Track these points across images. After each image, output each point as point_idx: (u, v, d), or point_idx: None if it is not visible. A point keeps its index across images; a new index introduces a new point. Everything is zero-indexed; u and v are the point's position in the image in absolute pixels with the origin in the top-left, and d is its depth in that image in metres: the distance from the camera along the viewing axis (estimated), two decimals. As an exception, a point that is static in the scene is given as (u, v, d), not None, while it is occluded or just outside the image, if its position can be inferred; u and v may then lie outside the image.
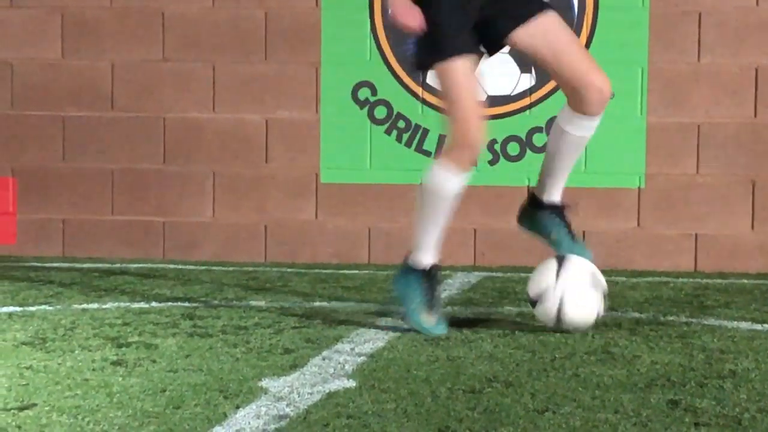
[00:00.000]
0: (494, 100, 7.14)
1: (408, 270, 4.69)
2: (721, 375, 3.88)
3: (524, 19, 4.59)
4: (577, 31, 7.05)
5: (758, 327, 4.91)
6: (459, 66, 4.54)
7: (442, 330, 4.58)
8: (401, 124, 7.12)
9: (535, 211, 4.94)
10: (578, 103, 4.65)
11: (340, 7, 7.08)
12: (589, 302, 4.64)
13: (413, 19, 4.48)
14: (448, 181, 4.60)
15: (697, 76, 7.03)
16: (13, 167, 7.56)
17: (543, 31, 4.61)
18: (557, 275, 4.65)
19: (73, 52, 7.48)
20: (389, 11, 4.56)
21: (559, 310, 4.60)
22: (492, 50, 4.74)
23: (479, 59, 4.70)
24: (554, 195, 4.90)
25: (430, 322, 4.59)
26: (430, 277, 4.69)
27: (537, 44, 4.63)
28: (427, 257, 4.69)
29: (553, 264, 4.71)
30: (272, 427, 3.13)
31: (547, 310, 4.63)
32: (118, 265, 7.04)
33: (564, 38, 4.66)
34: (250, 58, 7.35)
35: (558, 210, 4.92)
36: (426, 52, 4.63)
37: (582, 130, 4.73)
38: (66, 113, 7.50)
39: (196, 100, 7.41)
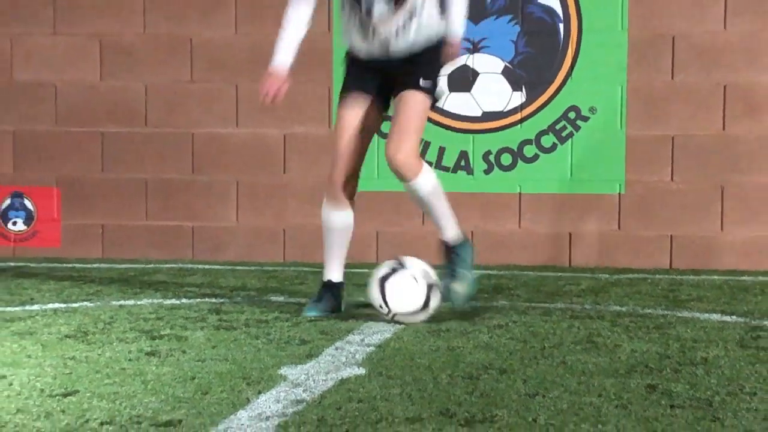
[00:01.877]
0: (488, 116, 7.14)
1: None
2: (694, 362, 3.88)
3: (399, 91, 4.77)
4: (563, 54, 7.06)
5: (727, 318, 4.91)
6: (339, 113, 4.89)
7: (306, 312, 4.87)
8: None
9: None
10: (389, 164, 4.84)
11: (349, 33, 7.10)
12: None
13: (273, 92, 4.92)
14: (326, 214, 4.98)
15: (671, 93, 7.03)
16: (57, 178, 7.57)
17: (398, 101, 4.78)
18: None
19: (110, 74, 7.50)
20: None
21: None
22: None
23: (382, 111, 4.93)
24: (443, 236, 4.95)
25: (306, 308, 4.93)
26: (327, 287, 4.98)
27: (394, 108, 4.84)
28: (328, 274, 5.00)
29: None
30: (290, 410, 3.13)
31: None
32: (151, 266, 7.05)
33: (399, 111, 4.76)
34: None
35: (447, 252, 4.96)
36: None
37: (408, 189, 4.85)
38: (104, 129, 7.51)
39: (220, 117, 7.42)
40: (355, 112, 4.82)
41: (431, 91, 4.77)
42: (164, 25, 7.43)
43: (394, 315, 4.62)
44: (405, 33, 4.70)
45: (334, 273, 4.99)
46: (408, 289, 4.64)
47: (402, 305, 4.63)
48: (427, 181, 4.81)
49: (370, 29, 4.72)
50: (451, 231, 4.93)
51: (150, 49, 7.45)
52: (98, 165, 7.54)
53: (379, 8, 4.65)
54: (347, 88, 4.88)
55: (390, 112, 4.90)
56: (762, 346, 4.19)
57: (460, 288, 4.86)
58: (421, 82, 4.73)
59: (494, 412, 3.12)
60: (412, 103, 4.73)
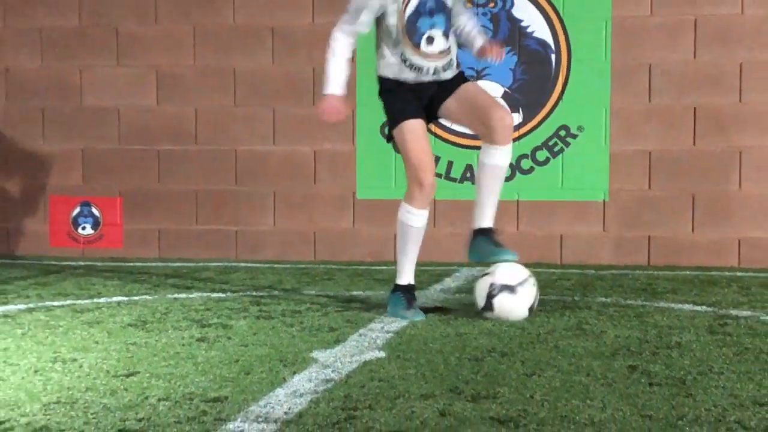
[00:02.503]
0: (491, 134, 7.14)
1: (396, 289, 4.66)
2: (669, 346, 3.87)
3: (451, 92, 4.64)
4: (554, 80, 7.05)
5: (698, 308, 4.89)
6: (406, 128, 4.56)
7: (421, 316, 4.51)
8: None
9: (475, 241, 4.71)
10: (489, 136, 4.57)
11: (370, 64, 7.08)
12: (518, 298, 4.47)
13: (337, 114, 4.62)
14: (411, 218, 4.59)
15: (648, 114, 7.01)
16: (120, 189, 7.60)
17: (462, 92, 4.64)
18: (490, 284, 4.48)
19: (166, 100, 7.52)
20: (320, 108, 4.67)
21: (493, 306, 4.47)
22: (431, 120, 4.77)
23: (426, 125, 4.70)
24: (485, 222, 4.68)
25: (410, 314, 4.53)
26: (408, 290, 4.64)
27: (458, 102, 4.63)
28: (405, 279, 4.66)
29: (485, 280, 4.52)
30: (321, 388, 3.14)
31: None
32: (201, 264, 7.07)
33: (474, 90, 4.68)
34: (302, 103, 7.36)
35: (488, 232, 4.68)
36: (388, 127, 4.70)
37: (495, 158, 4.59)
38: (160, 147, 7.53)
39: (260, 136, 7.43)
40: (420, 131, 4.58)
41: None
42: (211, 57, 7.45)
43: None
44: (451, 65, 4.64)
45: (410, 275, 4.68)
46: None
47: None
48: (509, 153, 4.63)
49: (423, 61, 4.55)
50: (491, 219, 4.68)
51: (199, 78, 7.47)
52: (155, 177, 7.56)
53: (437, 45, 4.53)
54: (405, 113, 4.60)
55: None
56: (728, 332, 4.18)
57: (509, 255, 4.62)
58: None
59: (496, 390, 3.12)
60: (477, 87, 4.77)
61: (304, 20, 7.34)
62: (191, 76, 7.48)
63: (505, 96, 7.11)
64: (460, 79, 4.70)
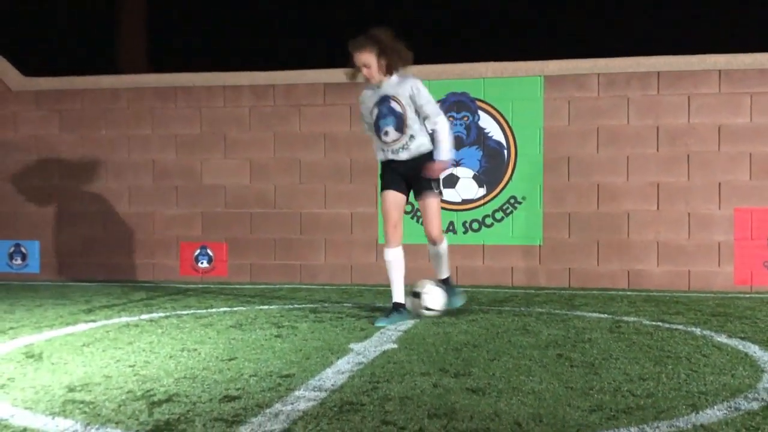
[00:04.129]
0: (465, 201, 7.16)
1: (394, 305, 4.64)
2: (583, 340, 3.84)
3: (419, 195, 4.68)
4: (506, 167, 7.08)
5: (602, 316, 4.86)
6: (385, 197, 4.68)
7: (376, 323, 4.41)
8: (419, 213, 7.13)
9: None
10: (428, 238, 4.72)
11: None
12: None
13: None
14: (386, 255, 4.65)
15: (568, 188, 7.02)
16: (226, 237, 7.63)
17: (423, 203, 4.68)
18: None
19: (255, 180, 7.58)
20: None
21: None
22: (410, 191, 4.78)
23: (406, 196, 4.73)
24: (441, 275, 4.80)
25: (377, 319, 4.48)
26: (396, 306, 4.60)
27: (421, 208, 4.69)
28: (395, 297, 4.64)
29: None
30: (355, 369, 3.13)
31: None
32: (278, 286, 7.08)
33: (427, 211, 4.67)
34: (343, 182, 7.41)
35: (444, 283, 4.80)
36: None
37: (432, 249, 4.74)
38: (251, 210, 7.58)
39: (316, 203, 7.47)
40: (392, 196, 4.67)
41: (439, 191, 4.72)
42: (285, 151, 7.52)
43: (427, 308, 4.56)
44: (407, 149, 4.66)
45: (398, 296, 4.64)
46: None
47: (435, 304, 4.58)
48: (445, 245, 4.75)
49: (387, 147, 4.66)
50: (446, 274, 4.82)
51: (277, 165, 7.54)
52: (248, 229, 7.60)
53: (391, 135, 4.62)
54: (384, 183, 4.72)
55: (409, 195, 4.80)
56: (622, 331, 4.15)
57: (456, 301, 4.82)
58: (434, 188, 4.65)
59: (470, 370, 3.10)
60: (433, 206, 4.66)
61: (344, 128, 7.42)
62: (272, 164, 7.55)
63: (475, 177, 7.15)
64: (427, 182, 4.64)
